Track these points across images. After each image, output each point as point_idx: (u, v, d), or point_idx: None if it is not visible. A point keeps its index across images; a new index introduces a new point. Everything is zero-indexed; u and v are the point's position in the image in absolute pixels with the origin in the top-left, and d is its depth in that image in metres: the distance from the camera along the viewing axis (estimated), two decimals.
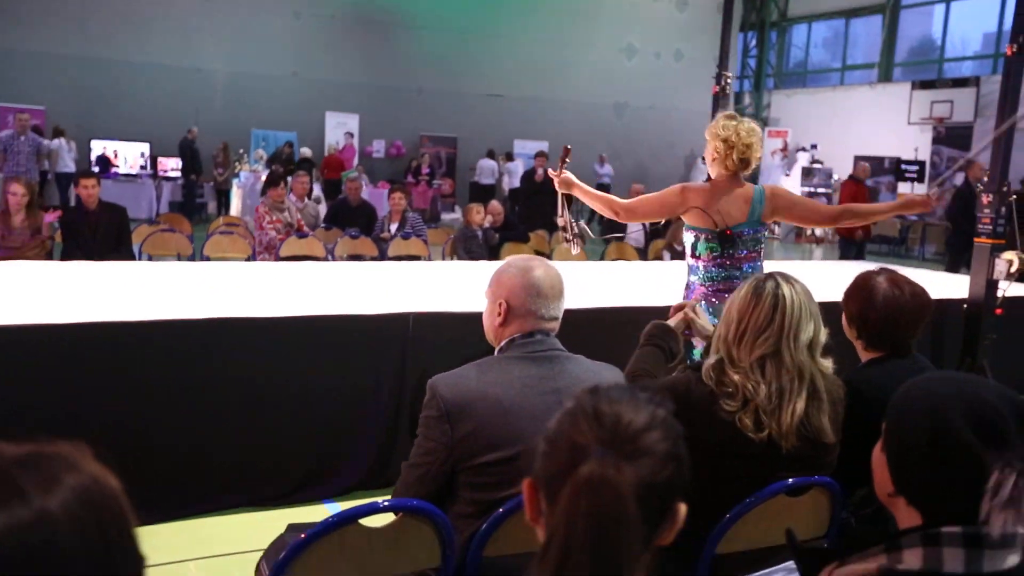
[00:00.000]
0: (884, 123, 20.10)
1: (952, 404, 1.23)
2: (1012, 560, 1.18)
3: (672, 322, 2.65)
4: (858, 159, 20.34)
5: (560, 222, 3.80)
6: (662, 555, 2.15)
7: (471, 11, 20.61)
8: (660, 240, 8.95)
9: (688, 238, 3.81)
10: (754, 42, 24.80)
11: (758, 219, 3.71)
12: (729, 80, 7.03)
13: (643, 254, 9.09)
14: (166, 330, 3.58)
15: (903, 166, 18.20)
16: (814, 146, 20.39)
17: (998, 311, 5.28)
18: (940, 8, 20.39)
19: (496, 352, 2.17)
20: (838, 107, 21.53)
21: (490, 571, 1.95)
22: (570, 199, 3.82)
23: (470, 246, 8.00)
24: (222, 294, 4.32)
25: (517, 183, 19.48)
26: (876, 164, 19.46)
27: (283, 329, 3.81)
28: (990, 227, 5.21)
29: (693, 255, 3.78)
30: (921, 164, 18.19)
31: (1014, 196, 5.20)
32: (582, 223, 3.85)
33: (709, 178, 3.85)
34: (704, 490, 2.08)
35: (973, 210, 9.32)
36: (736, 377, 2.07)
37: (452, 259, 8.00)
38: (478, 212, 8.14)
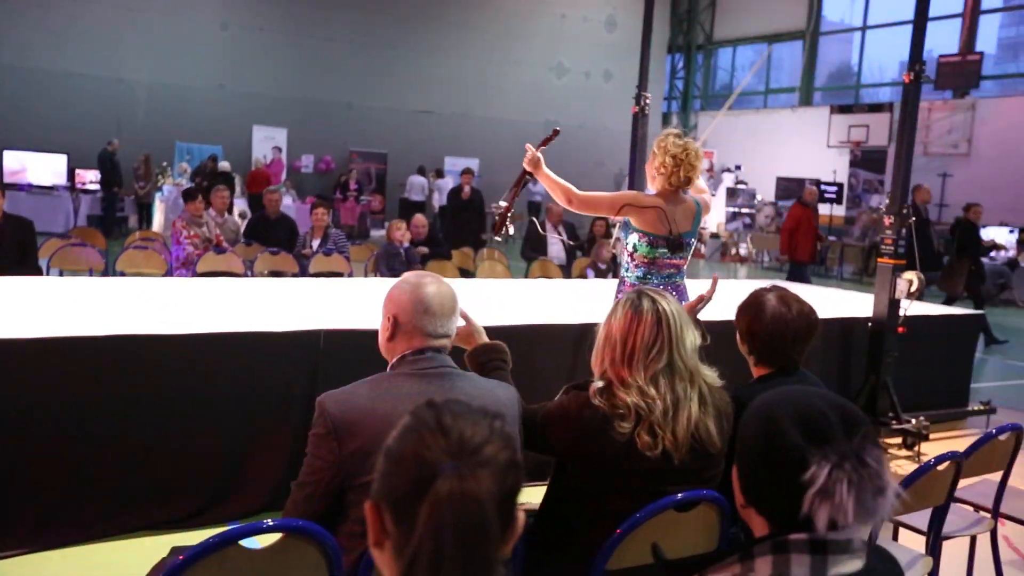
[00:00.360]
0: (804, 146, 20.69)
1: (783, 411, 1.27)
2: (855, 565, 1.23)
3: None
4: (780, 180, 20.94)
5: (503, 203, 3.93)
6: (554, 571, 2.17)
7: (402, 26, 20.61)
8: (584, 258, 9.04)
9: (632, 239, 3.92)
10: (681, 64, 25.33)
11: (695, 230, 3.93)
12: (648, 101, 7.17)
13: (567, 271, 9.16)
14: (62, 347, 3.48)
15: (823, 187, 18.72)
16: (738, 167, 20.86)
17: (900, 329, 5.47)
18: (857, 35, 21.12)
19: (388, 369, 2.17)
20: (761, 129, 22.10)
21: None
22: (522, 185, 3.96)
23: (392, 263, 7.96)
24: (129, 310, 4.23)
25: (444, 200, 19.51)
26: (796, 185, 20.01)
27: (187, 346, 3.74)
28: (892, 248, 5.40)
29: (632, 256, 3.91)
30: (840, 186, 18.76)
31: (913, 219, 5.40)
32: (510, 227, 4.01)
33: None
34: (596, 507, 2.11)
35: (926, 234, 9.72)
36: (628, 398, 2.09)
37: (374, 276, 7.96)
38: (399, 228, 8.11)
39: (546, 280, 7.67)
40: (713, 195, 21.48)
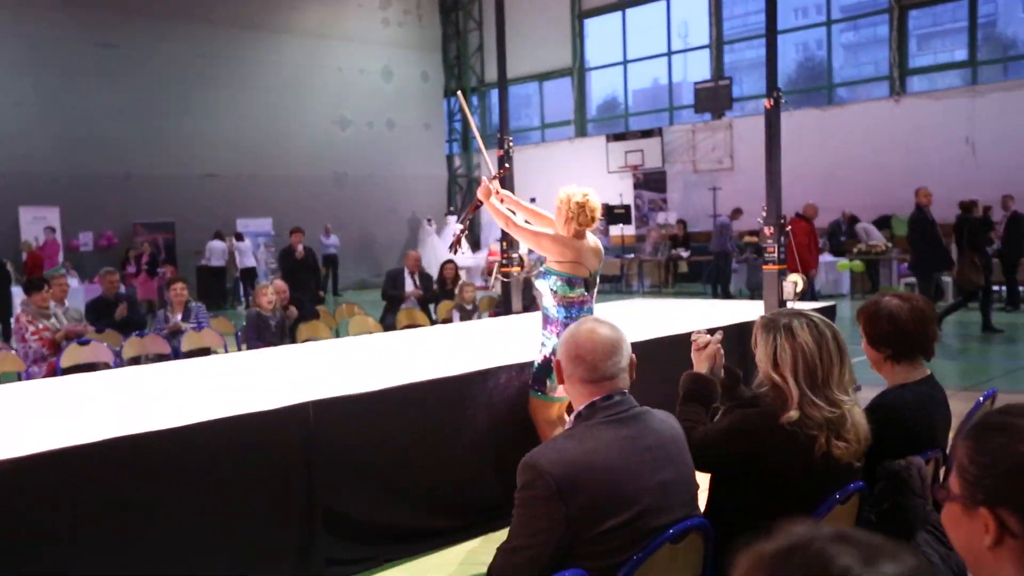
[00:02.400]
0: (587, 173, 21.86)
1: None
2: None
3: (704, 366, 2.76)
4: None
5: (460, 227, 4.62)
6: None
7: (177, 89, 19.74)
8: (448, 301, 9.14)
9: (552, 283, 4.25)
10: (457, 107, 26.03)
11: (600, 268, 4.42)
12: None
13: (428, 315, 9.20)
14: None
15: (614, 210, 19.94)
16: (533, 199, 21.68)
17: None
18: (619, 69, 22.73)
19: (574, 416, 2.21)
20: (544, 161, 23.13)
21: None
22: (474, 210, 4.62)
23: (263, 332, 7.68)
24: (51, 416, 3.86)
25: (249, 262, 18.83)
26: None
27: (173, 441, 3.50)
28: (774, 255, 5.97)
29: (555, 296, 4.28)
30: (627, 207, 20.05)
31: (789, 227, 6.01)
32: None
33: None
34: (779, 512, 2.27)
35: (933, 234, 9.89)
36: (820, 414, 2.27)
37: (244, 347, 7.63)
38: (265, 294, 7.84)
39: (451, 324, 7.66)
40: None
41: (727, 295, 15.49)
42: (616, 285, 18.84)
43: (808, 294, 11.41)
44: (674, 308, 7.63)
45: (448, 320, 8.68)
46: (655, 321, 6.37)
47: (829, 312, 7.08)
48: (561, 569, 2.04)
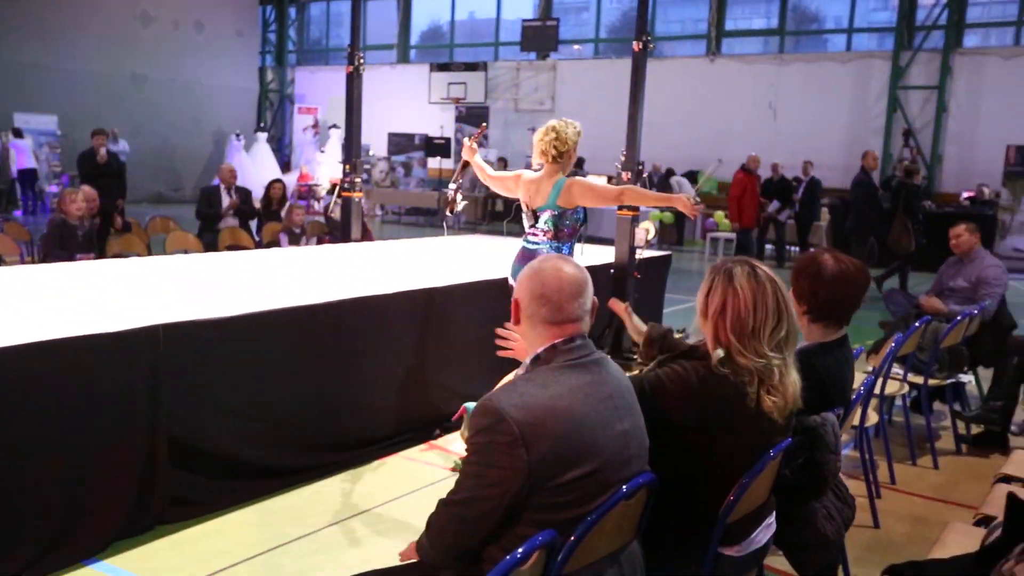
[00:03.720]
0: (408, 102, 21.40)
1: None
2: None
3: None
4: (391, 136, 21.49)
5: (452, 185, 4.72)
6: (677, 529, 2.24)
7: None
8: (275, 223, 8.62)
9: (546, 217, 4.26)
10: (273, 17, 24.56)
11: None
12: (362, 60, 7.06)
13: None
14: None
15: (433, 142, 19.63)
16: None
17: (636, 274, 6.14)
18: None
19: (530, 359, 2.05)
20: (365, 86, 22.34)
21: None
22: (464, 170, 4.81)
23: (68, 242, 6.90)
24: None
25: (29, 163, 17.06)
26: (407, 140, 20.75)
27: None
28: None
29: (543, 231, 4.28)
30: (447, 140, 19.79)
31: (646, 175, 6.06)
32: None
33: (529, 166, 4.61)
34: (716, 466, 2.23)
35: (875, 197, 10.04)
36: (751, 364, 2.19)
37: (44, 258, 6.83)
38: (74, 201, 7.03)
39: (246, 251, 7.13)
40: (322, 151, 21.40)
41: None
42: (431, 219, 18.64)
43: (747, 249, 11.68)
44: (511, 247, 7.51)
45: (275, 243, 8.18)
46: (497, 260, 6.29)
47: (664, 261, 7.29)
48: (510, 524, 1.91)
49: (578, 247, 4.61)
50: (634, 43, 5.93)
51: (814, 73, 17.66)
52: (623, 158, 6.04)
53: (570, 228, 4.27)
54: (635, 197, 4.58)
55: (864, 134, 16.82)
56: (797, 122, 17.43)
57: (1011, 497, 2.09)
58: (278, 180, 9.96)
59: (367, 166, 19.90)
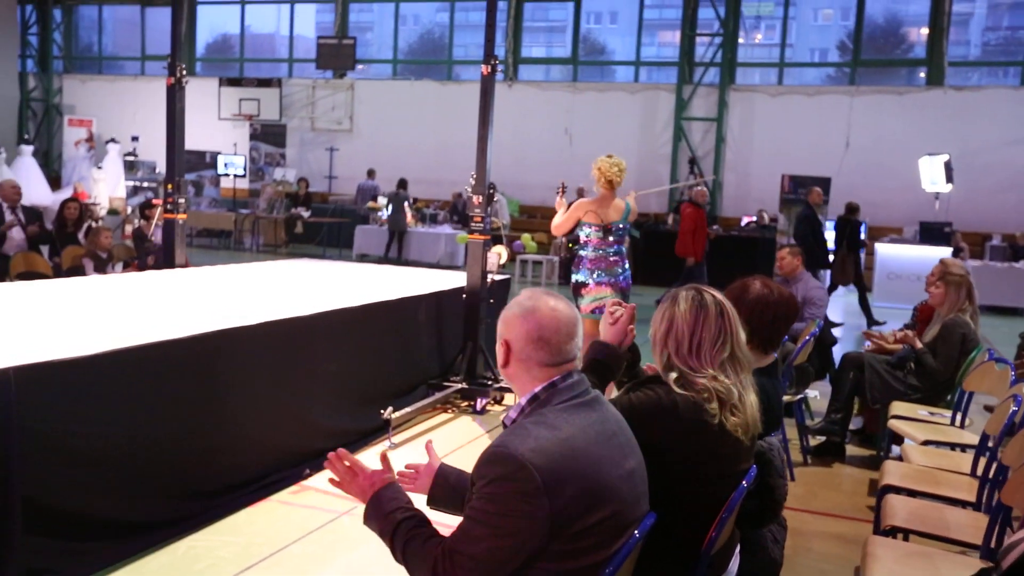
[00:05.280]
0: (196, 117, 20.14)
1: None
2: None
3: (612, 332, 2.51)
4: (190, 153, 20.25)
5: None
6: (664, 561, 2.21)
7: None
8: (76, 247, 7.82)
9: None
10: (35, 19, 22.52)
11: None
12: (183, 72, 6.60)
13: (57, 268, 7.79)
14: None
15: (227, 161, 18.71)
16: (135, 138, 19.53)
17: (491, 300, 6.10)
18: (235, 8, 21.31)
19: (525, 399, 1.92)
20: (142, 98, 20.95)
21: None
22: None
23: None
24: None
25: None
26: (198, 158, 19.62)
27: None
28: (482, 225, 5.97)
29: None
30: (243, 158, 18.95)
31: (496, 199, 6.05)
32: None
33: None
34: (695, 494, 2.21)
35: (820, 231, 10.41)
36: (707, 383, 2.21)
37: None
38: None
39: (141, 276, 6.37)
40: (99, 167, 19.83)
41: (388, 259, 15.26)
42: (226, 241, 17.71)
43: (700, 280, 11.65)
44: (366, 274, 7.24)
45: (78, 269, 7.41)
46: (368, 287, 6.06)
47: (504, 284, 7.31)
48: (525, 573, 1.79)
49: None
50: (483, 66, 5.91)
51: (606, 102, 18.50)
52: (473, 181, 5.99)
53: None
54: None
55: (653, 161, 17.81)
56: (592, 147, 18.00)
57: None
58: (72, 199, 9.06)
59: (153, 184, 18.62)
